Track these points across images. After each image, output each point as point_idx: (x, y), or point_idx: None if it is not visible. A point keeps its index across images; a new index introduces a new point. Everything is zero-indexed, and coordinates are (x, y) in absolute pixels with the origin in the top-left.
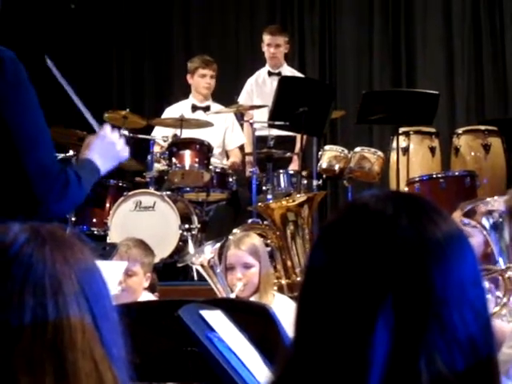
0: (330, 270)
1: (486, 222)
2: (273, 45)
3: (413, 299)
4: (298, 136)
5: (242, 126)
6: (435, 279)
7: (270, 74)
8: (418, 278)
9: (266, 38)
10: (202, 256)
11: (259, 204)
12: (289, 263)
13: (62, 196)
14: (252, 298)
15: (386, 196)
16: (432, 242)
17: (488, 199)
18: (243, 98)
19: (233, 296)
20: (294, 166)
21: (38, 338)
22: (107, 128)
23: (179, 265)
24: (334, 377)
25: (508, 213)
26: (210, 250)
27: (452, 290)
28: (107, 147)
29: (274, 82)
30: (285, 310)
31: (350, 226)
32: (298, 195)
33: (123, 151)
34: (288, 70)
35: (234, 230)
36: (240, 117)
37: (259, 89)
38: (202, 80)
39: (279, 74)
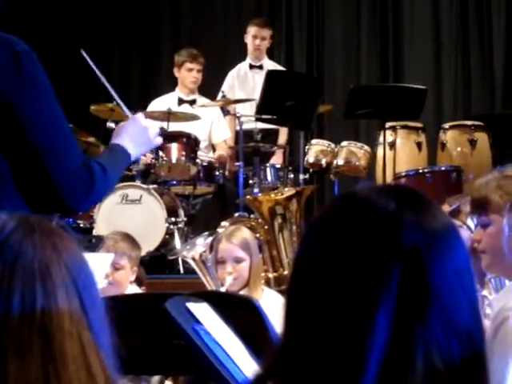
0: (322, 261)
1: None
2: (259, 37)
3: (414, 288)
4: (281, 129)
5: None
6: (435, 267)
7: (251, 66)
8: (419, 267)
9: (252, 29)
10: (193, 249)
11: (247, 197)
12: (276, 256)
13: (88, 195)
14: (241, 292)
15: (388, 190)
16: (431, 234)
17: None
18: (225, 91)
19: (223, 290)
20: (276, 159)
21: (26, 320)
22: (140, 114)
23: (170, 258)
24: (329, 366)
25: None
26: (202, 244)
27: (450, 277)
28: (138, 131)
29: (255, 75)
30: (273, 305)
31: (346, 219)
32: (287, 189)
33: (156, 137)
34: (270, 64)
35: (223, 223)
36: (226, 110)
37: (241, 82)
38: (188, 74)
39: (261, 66)
